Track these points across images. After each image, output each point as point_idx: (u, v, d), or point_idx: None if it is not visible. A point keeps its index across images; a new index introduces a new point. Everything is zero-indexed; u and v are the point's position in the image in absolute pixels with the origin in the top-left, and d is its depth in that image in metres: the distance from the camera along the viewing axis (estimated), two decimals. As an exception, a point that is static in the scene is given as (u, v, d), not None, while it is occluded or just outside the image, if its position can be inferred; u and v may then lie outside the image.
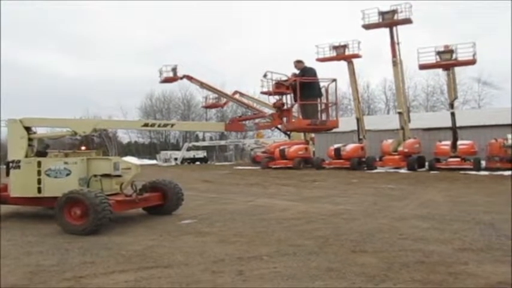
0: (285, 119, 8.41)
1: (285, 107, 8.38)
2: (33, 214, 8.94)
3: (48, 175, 7.73)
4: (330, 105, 8.88)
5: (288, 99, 8.47)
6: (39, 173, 7.75)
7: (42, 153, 8.48)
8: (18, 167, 7.95)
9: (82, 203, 6.86)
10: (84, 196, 6.88)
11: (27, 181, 7.81)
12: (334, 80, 8.61)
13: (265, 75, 8.66)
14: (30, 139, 8.31)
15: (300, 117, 8.48)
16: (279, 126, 9.78)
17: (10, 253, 5.66)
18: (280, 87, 8.47)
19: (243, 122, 9.23)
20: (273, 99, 8.68)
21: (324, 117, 8.62)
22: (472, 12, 68.36)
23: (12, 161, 8.03)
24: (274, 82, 8.53)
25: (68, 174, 7.71)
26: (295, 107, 8.49)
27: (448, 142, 23.55)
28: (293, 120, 8.51)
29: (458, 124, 23.64)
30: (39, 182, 7.75)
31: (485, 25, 67.66)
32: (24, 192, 7.92)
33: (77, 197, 6.94)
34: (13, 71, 72.13)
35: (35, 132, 8.53)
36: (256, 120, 10.19)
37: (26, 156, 8.10)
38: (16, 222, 8.04)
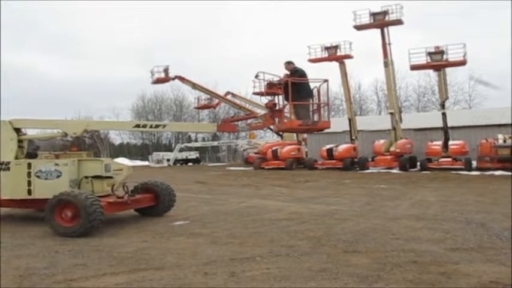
0: (277, 120, 8.41)
1: (277, 107, 8.38)
2: (23, 216, 8.84)
3: (38, 177, 7.63)
4: (321, 105, 8.88)
5: (280, 99, 8.47)
6: (29, 174, 7.65)
7: (32, 155, 8.39)
8: (8, 168, 7.84)
9: (73, 204, 6.79)
10: (75, 198, 6.81)
11: (17, 183, 7.71)
12: (326, 81, 8.62)
13: (257, 76, 8.67)
14: (20, 140, 8.20)
15: (292, 117, 8.49)
16: (271, 126, 9.78)
17: None
18: (272, 88, 8.48)
19: (235, 123, 9.22)
20: (265, 100, 8.68)
21: (315, 117, 8.64)
22: (464, 13, 68.94)
23: (2, 163, 7.92)
24: (266, 83, 8.54)
25: (58, 176, 7.62)
26: (287, 108, 8.49)
27: (440, 142, 23.71)
28: (285, 120, 8.51)
29: (449, 124, 23.83)
30: (29, 183, 7.65)
31: (477, 26, 68.30)
32: (14, 194, 7.80)
33: (67, 199, 6.87)
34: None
35: (24, 134, 8.43)
36: (249, 121, 10.19)
37: (16, 157, 7.99)
38: (6, 225, 7.93)
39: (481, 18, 67.89)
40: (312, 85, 8.75)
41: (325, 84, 8.66)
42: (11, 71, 73.60)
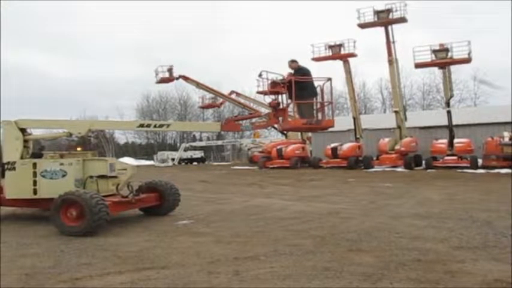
0: (280, 119, 8.40)
1: (281, 106, 8.37)
2: (29, 216, 8.89)
3: (43, 176, 7.68)
4: (325, 104, 8.88)
5: (283, 98, 8.47)
6: (34, 174, 7.70)
7: (37, 155, 8.44)
8: (14, 168, 7.89)
9: (78, 204, 6.83)
10: (80, 197, 6.84)
11: (23, 183, 7.76)
12: (329, 79, 8.62)
13: (260, 75, 8.67)
14: (25, 140, 8.25)
15: (296, 116, 8.49)
16: (275, 125, 9.77)
17: (5, 255, 5.62)
18: (275, 87, 8.47)
19: (239, 122, 9.22)
20: (268, 99, 8.68)
21: (319, 116, 8.63)
22: (467, 11, 68.47)
23: (8, 163, 7.98)
24: (269, 81, 8.53)
25: (63, 176, 7.66)
26: (291, 107, 8.49)
27: (445, 140, 23.61)
28: (289, 119, 8.50)
29: (454, 122, 23.73)
30: (34, 183, 7.70)
31: (481, 24, 67.84)
32: (20, 194, 7.86)
33: (72, 199, 6.90)
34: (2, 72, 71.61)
35: (30, 134, 8.48)
36: (253, 120, 10.19)
37: (21, 157, 8.05)
38: (12, 224, 7.99)
39: (485, 18, 67.46)
40: (315, 84, 8.75)
41: (328, 82, 8.66)
42: (13, 71, 73.82)
